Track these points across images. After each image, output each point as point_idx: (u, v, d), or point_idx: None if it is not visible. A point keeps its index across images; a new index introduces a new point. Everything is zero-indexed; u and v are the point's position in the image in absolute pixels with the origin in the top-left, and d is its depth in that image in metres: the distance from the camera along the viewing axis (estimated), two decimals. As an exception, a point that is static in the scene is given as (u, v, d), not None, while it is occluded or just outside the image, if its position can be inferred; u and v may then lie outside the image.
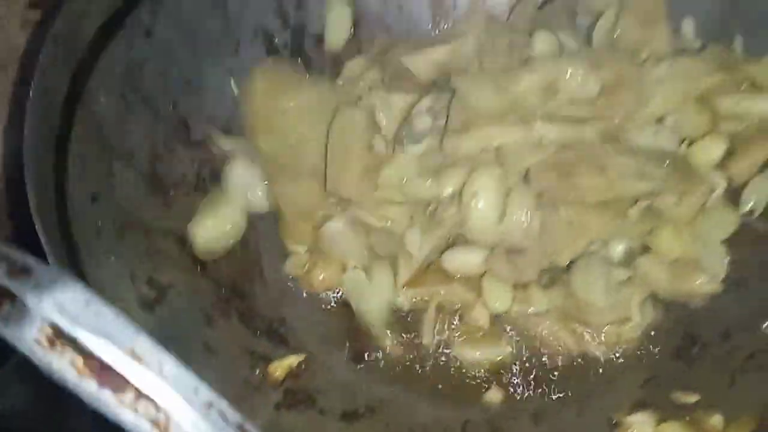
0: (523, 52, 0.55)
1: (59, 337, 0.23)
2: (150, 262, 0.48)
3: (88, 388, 0.25)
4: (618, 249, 0.53)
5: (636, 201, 0.51)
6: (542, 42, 0.56)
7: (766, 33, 0.57)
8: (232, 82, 0.59)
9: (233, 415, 0.25)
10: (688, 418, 0.46)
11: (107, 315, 0.25)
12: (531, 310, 0.53)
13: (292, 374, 0.50)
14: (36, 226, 0.39)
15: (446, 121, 0.53)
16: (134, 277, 0.46)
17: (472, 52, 0.55)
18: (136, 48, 0.52)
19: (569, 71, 0.50)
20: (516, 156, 0.51)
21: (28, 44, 0.63)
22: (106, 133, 0.49)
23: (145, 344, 0.25)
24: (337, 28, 0.61)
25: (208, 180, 0.56)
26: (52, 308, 0.24)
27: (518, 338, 0.54)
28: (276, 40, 0.61)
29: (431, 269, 0.55)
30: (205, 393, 0.25)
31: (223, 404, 0.25)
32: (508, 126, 0.51)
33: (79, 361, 0.25)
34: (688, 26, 0.60)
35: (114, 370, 0.25)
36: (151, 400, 0.25)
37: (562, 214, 0.52)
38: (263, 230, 0.57)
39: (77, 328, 0.24)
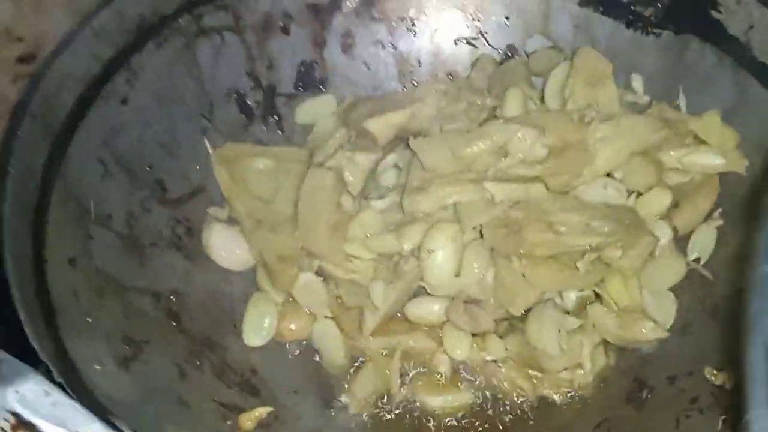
0: (480, 114, 0.59)
1: (20, 425, 0.26)
2: (126, 321, 0.51)
3: (46, 470, 0.28)
4: (569, 298, 0.56)
5: (584, 254, 0.54)
6: (512, 98, 0.59)
7: (707, 91, 0.60)
8: (206, 141, 0.62)
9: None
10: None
11: (64, 404, 0.28)
12: (489, 357, 0.56)
13: (262, 424, 0.52)
14: (14, 298, 0.42)
15: (406, 181, 0.56)
16: (110, 337, 0.49)
17: (431, 116, 0.59)
18: (113, 115, 0.55)
19: (519, 135, 0.54)
20: (470, 213, 0.54)
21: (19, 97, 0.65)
22: (84, 197, 0.52)
23: (96, 430, 0.28)
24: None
25: (184, 237, 0.59)
26: (14, 399, 0.27)
27: (478, 384, 0.57)
28: (248, 100, 0.65)
29: (396, 319, 0.58)
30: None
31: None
32: (463, 185, 0.54)
33: (38, 446, 0.28)
34: (637, 82, 0.64)
35: (70, 454, 0.28)
36: (102, 480, 0.28)
37: (514, 267, 0.55)
38: (238, 286, 0.60)
39: (36, 417, 0.27)
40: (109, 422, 0.37)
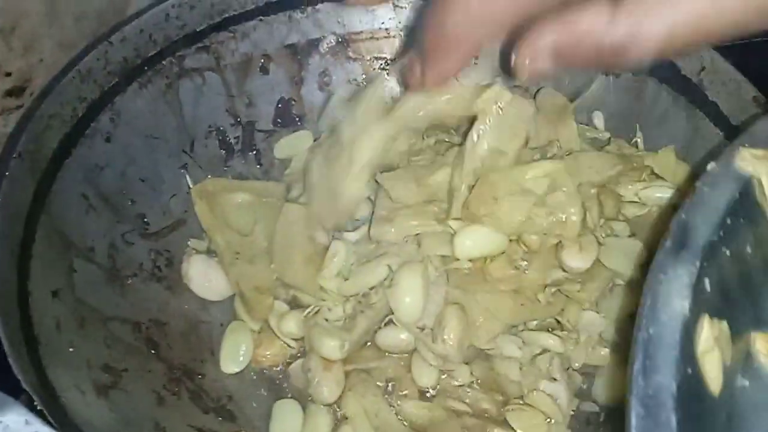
0: (447, 149, 0.62)
1: (3, 453, 0.29)
2: (106, 350, 0.54)
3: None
4: (531, 326, 0.59)
5: (545, 287, 0.57)
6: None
7: (663, 128, 0.64)
8: (187, 177, 0.65)
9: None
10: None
11: (44, 432, 0.30)
12: (456, 383, 0.59)
13: (236, 449, 0.55)
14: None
15: (372, 212, 0.59)
16: (91, 365, 0.51)
17: (402, 152, 0.62)
18: (97, 153, 0.58)
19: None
20: (433, 245, 0.57)
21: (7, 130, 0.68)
22: (68, 232, 0.55)
23: (75, 458, 0.31)
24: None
25: (164, 268, 0.62)
26: (-2, 429, 0.29)
27: (446, 408, 0.59)
28: (228, 136, 0.68)
29: (367, 346, 0.61)
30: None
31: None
32: (427, 218, 0.57)
33: (19, 475, 0.30)
34: (598, 119, 0.68)
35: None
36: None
37: (479, 301, 0.57)
38: (215, 315, 0.62)
39: (18, 444, 0.30)
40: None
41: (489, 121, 0.56)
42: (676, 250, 0.34)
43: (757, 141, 0.38)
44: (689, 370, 0.31)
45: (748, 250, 0.37)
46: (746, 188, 0.37)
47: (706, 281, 0.34)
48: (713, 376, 0.33)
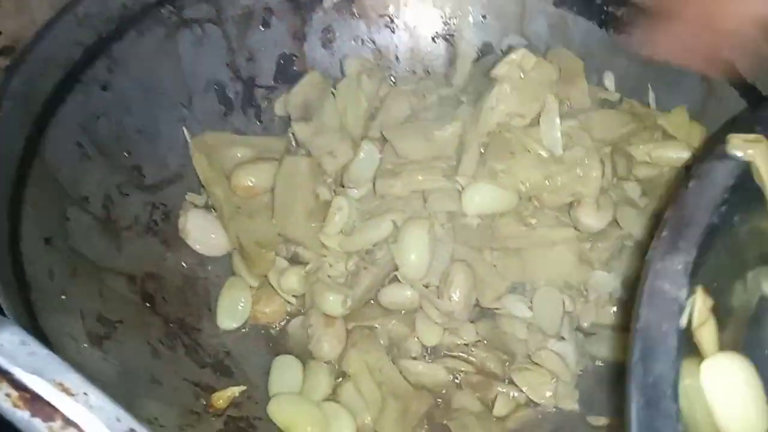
0: (453, 106, 0.60)
1: (-4, 373, 0.27)
2: (100, 301, 0.52)
3: (22, 417, 0.28)
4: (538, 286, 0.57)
5: (554, 246, 0.55)
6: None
7: (675, 88, 0.62)
8: (185, 130, 0.63)
9: (153, 442, 0.29)
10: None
11: (40, 353, 0.29)
12: (460, 341, 0.57)
13: (235, 403, 0.53)
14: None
15: (378, 166, 0.57)
16: (84, 315, 0.49)
17: (405, 110, 0.60)
18: (93, 101, 0.56)
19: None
20: (441, 201, 0.55)
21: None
22: (62, 179, 0.53)
23: (72, 379, 0.29)
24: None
25: (161, 222, 0.60)
26: (-9, 348, 0.27)
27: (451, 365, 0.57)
28: (228, 91, 0.66)
29: (370, 304, 0.59)
30: (127, 421, 0.28)
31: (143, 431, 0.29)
32: (434, 174, 0.55)
33: (14, 393, 0.28)
34: (609, 80, 0.66)
35: (44, 401, 0.29)
36: (78, 427, 0.29)
37: (486, 258, 0.56)
38: (213, 271, 0.61)
39: (12, 365, 0.28)
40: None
41: (510, 85, 0.55)
42: (673, 241, 0.33)
43: (744, 129, 0.38)
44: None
45: (744, 235, 0.37)
46: (742, 174, 0.36)
47: (702, 266, 0.33)
48: (709, 346, 0.32)
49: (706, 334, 0.32)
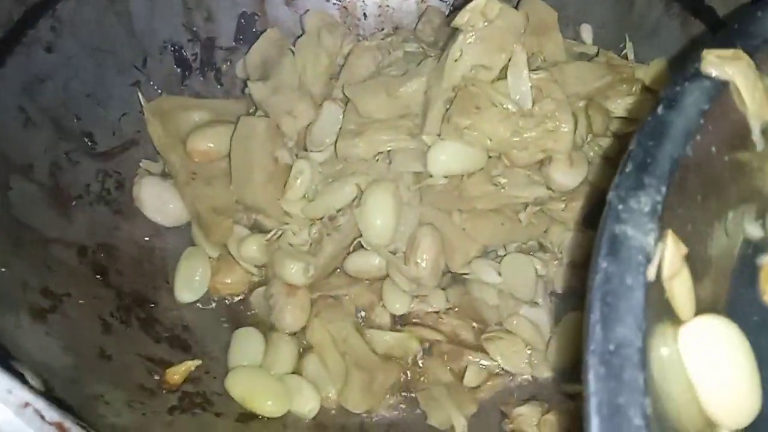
0: (419, 61, 0.57)
1: None
2: (47, 273, 0.49)
3: None
4: (510, 250, 0.54)
5: (526, 206, 0.53)
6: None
7: (653, 41, 0.59)
8: (139, 94, 0.59)
9: (51, 414, 0.26)
10: (571, 409, 0.48)
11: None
12: (430, 309, 0.54)
13: (191, 379, 0.50)
14: None
15: (341, 127, 0.54)
16: (27, 288, 0.47)
17: (369, 68, 0.57)
18: (36, 63, 0.53)
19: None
20: (406, 162, 0.52)
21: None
22: (3, 145, 0.50)
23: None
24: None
25: (114, 190, 0.57)
26: None
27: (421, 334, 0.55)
28: (185, 52, 0.62)
29: (336, 273, 0.56)
30: (20, 394, 0.26)
31: (40, 404, 0.26)
32: (398, 133, 0.52)
33: None
34: (586, 32, 0.63)
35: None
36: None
37: (455, 221, 0.53)
38: (171, 241, 0.58)
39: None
40: (9, 367, 0.35)
41: (473, 35, 0.51)
42: (638, 178, 0.28)
43: (722, 44, 0.33)
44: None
45: (722, 169, 0.32)
46: (720, 96, 0.32)
47: (674, 207, 0.29)
48: (683, 303, 0.28)
49: (680, 288, 0.28)
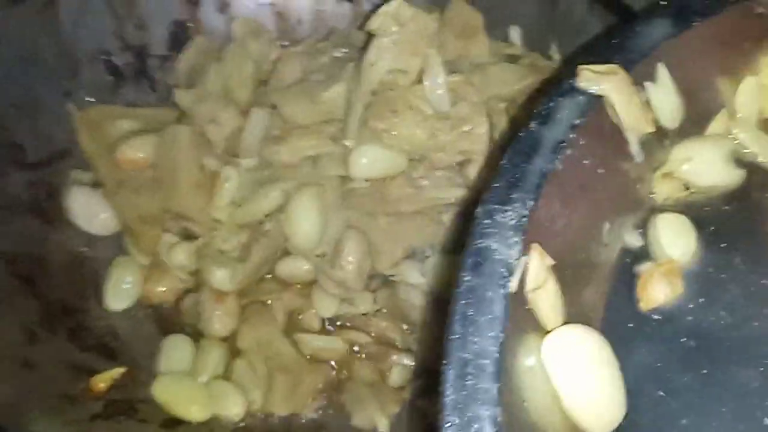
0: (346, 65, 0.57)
1: None
2: (-31, 284, 0.49)
3: None
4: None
5: (449, 207, 0.53)
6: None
7: (579, 39, 0.59)
8: (71, 104, 0.60)
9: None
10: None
11: None
12: (359, 311, 0.55)
13: (117, 386, 0.51)
14: None
15: (266, 132, 0.55)
16: (-53, 300, 0.47)
17: (295, 73, 0.57)
18: (-41, 74, 0.53)
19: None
20: (329, 166, 0.53)
21: None
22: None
23: None
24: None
25: (44, 201, 0.57)
26: None
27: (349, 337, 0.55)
28: (117, 61, 0.63)
29: (266, 279, 0.57)
30: None
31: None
32: (322, 139, 0.53)
33: None
34: (515, 34, 0.63)
35: None
36: None
37: (380, 224, 0.54)
38: (103, 251, 0.58)
39: None
40: None
41: (387, 39, 0.52)
42: (506, 192, 0.29)
43: (597, 56, 0.34)
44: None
45: (595, 169, 0.33)
46: (595, 111, 0.33)
47: (542, 216, 0.30)
48: (548, 314, 0.29)
49: (544, 300, 0.29)
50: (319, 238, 0.53)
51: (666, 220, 0.35)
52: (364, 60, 0.52)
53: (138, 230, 0.55)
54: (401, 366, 0.53)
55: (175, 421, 0.50)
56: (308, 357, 0.54)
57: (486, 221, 0.29)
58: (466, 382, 0.25)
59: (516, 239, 0.28)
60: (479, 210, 0.29)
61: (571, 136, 0.32)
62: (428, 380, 0.53)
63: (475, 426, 0.25)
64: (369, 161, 0.52)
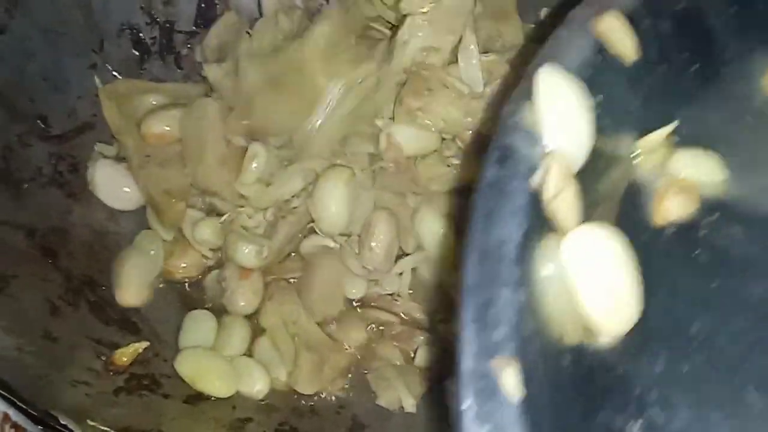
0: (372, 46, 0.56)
1: None
2: (-7, 255, 0.49)
3: None
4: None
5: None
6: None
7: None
8: (96, 77, 0.59)
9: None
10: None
11: None
12: (384, 291, 0.54)
13: (140, 361, 0.50)
14: None
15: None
16: (-29, 268, 0.46)
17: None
18: (-13, 45, 0.52)
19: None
20: (359, 144, 0.52)
21: None
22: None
23: None
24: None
25: (67, 174, 0.56)
26: None
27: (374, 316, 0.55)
28: (144, 36, 0.62)
29: (290, 257, 0.56)
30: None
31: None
32: (353, 120, 0.52)
33: None
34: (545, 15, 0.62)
35: None
36: None
37: (409, 204, 0.53)
38: (126, 225, 0.57)
39: None
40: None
41: (422, 16, 0.51)
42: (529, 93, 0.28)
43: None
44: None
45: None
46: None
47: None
48: (568, 216, 0.28)
49: (565, 201, 0.28)
50: (347, 221, 0.53)
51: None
52: (396, 38, 0.51)
53: (163, 205, 0.54)
54: (427, 346, 0.52)
55: (198, 397, 0.50)
56: (333, 337, 0.53)
57: (510, 120, 0.28)
58: (487, 267, 0.24)
59: (540, 138, 0.28)
60: (505, 109, 0.28)
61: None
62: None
63: (496, 307, 0.23)
64: (401, 140, 0.51)
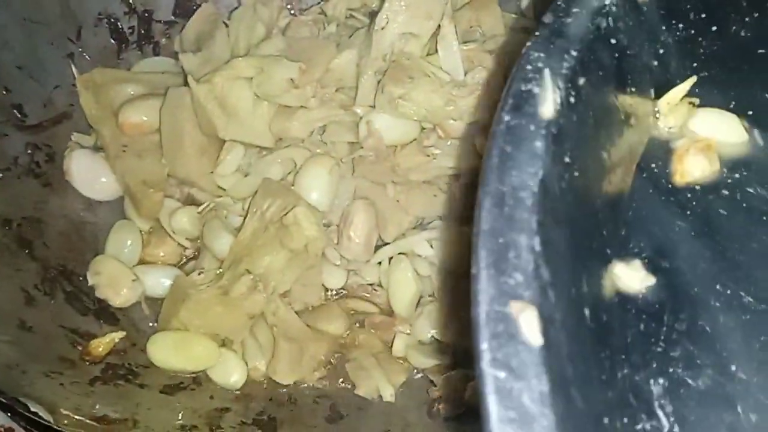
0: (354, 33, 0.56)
1: None
2: (-36, 245, 0.48)
3: None
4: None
5: (458, 178, 0.52)
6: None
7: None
8: (73, 67, 0.58)
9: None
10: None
11: None
12: (364, 281, 0.54)
13: (116, 351, 0.50)
14: None
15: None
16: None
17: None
18: (-41, 33, 0.52)
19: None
20: (338, 132, 0.52)
21: None
22: None
23: None
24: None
25: (44, 164, 0.56)
26: None
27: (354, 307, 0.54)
28: (121, 25, 0.61)
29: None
30: None
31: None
32: (332, 109, 0.52)
33: None
34: (528, 7, 0.62)
35: None
36: None
37: (389, 193, 0.53)
38: (103, 216, 0.57)
39: None
40: None
41: (400, 1, 0.51)
42: (549, 40, 0.28)
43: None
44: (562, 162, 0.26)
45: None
46: None
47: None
48: None
49: None
50: (328, 208, 0.52)
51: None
52: (374, 24, 0.51)
53: (140, 195, 0.54)
54: (405, 335, 0.52)
55: (175, 387, 0.49)
56: (312, 327, 0.53)
57: (528, 66, 0.28)
58: (504, 211, 0.24)
59: (559, 84, 0.27)
60: (523, 55, 0.28)
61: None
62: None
63: (512, 252, 0.23)
64: (381, 128, 0.51)
